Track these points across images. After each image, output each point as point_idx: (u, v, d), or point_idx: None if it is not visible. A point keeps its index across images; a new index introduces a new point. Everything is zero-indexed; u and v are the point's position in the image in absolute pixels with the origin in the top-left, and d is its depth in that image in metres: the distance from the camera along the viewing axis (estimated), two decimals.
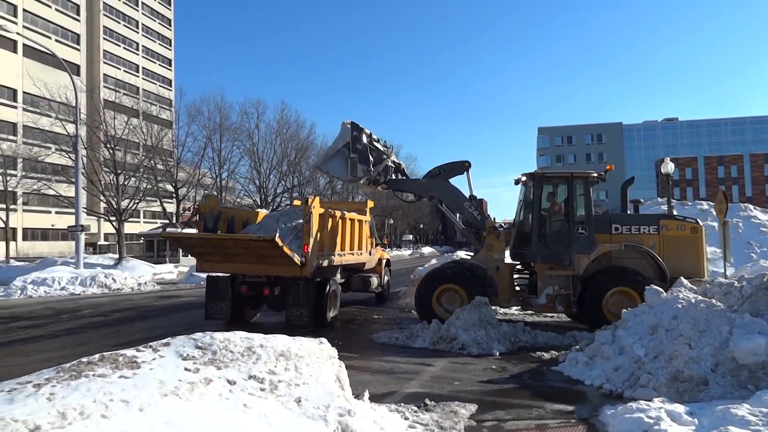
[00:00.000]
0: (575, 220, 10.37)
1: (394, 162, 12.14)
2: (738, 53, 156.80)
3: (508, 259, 11.07)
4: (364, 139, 10.91)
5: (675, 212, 22.44)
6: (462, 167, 11.78)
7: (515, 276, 11.33)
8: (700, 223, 10.42)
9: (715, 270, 16.54)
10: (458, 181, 11.87)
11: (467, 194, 11.47)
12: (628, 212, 11.38)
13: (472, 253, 11.72)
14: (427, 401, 5.86)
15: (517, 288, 11.18)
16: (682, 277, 7.95)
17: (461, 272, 10.58)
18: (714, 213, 18.67)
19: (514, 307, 11.73)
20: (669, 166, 23.66)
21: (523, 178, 10.83)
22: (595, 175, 10.65)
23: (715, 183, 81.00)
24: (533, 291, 10.63)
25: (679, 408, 5.08)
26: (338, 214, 11.73)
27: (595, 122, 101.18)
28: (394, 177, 12.10)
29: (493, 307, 10.23)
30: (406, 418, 5.31)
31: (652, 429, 4.64)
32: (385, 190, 12.21)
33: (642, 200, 12.83)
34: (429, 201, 12.05)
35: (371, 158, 10.99)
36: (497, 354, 8.48)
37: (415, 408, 5.63)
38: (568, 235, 10.32)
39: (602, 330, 7.89)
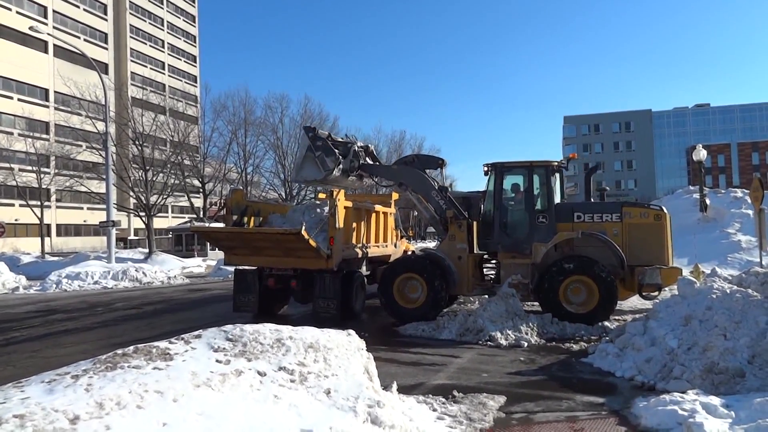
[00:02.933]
0: (536, 209, 10.38)
1: (360, 146, 12.18)
2: None
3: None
4: (322, 135, 11.26)
5: (708, 201, 21.95)
6: (436, 163, 11.95)
7: (485, 265, 11.48)
8: (665, 210, 10.21)
9: (750, 259, 16.11)
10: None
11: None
12: (593, 200, 11.24)
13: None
14: (455, 393, 5.85)
15: (487, 278, 11.29)
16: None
17: (421, 262, 10.68)
18: (749, 201, 18.17)
19: None
20: (701, 153, 23.06)
21: (485, 169, 10.83)
22: (556, 163, 10.59)
23: (749, 170, 78.47)
24: (499, 280, 10.63)
25: (715, 400, 4.96)
26: (363, 206, 11.75)
27: (623, 110, 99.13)
28: (366, 162, 12.11)
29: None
30: (435, 410, 5.31)
31: (687, 421, 4.54)
32: (368, 178, 12.29)
33: (608, 188, 12.57)
34: (398, 188, 12.07)
35: (337, 150, 11.21)
36: (525, 345, 8.41)
37: (443, 399, 5.63)
38: (529, 223, 10.35)
39: (633, 321, 7.76)
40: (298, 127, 42.71)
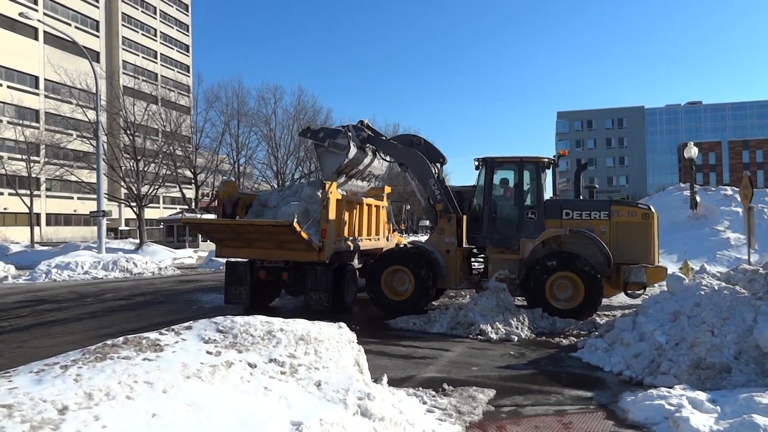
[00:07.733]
0: (525, 205, 10.46)
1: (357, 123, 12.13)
2: (765, 33, 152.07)
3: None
4: (318, 128, 11.38)
5: (698, 198, 22.11)
6: (438, 158, 11.92)
7: (473, 260, 11.56)
8: (653, 210, 10.30)
9: (738, 257, 16.28)
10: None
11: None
12: (582, 197, 11.33)
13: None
14: (445, 386, 5.88)
15: (475, 272, 11.39)
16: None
17: (409, 254, 10.76)
18: (738, 198, 18.34)
19: None
20: (692, 151, 23.19)
21: (476, 163, 10.86)
22: (546, 159, 10.65)
23: (740, 168, 79.01)
24: (487, 274, 10.69)
25: (701, 395, 5.02)
26: (355, 199, 11.73)
27: (615, 106, 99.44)
28: (372, 135, 12.04)
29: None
30: (425, 403, 5.34)
31: (673, 416, 4.59)
32: (379, 154, 12.28)
33: (597, 185, 12.66)
34: (399, 167, 12.02)
35: (339, 129, 11.25)
36: (515, 340, 8.46)
37: (434, 392, 5.66)
38: (518, 219, 10.43)
39: (622, 316, 7.83)
40: (292, 118, 42.56)
